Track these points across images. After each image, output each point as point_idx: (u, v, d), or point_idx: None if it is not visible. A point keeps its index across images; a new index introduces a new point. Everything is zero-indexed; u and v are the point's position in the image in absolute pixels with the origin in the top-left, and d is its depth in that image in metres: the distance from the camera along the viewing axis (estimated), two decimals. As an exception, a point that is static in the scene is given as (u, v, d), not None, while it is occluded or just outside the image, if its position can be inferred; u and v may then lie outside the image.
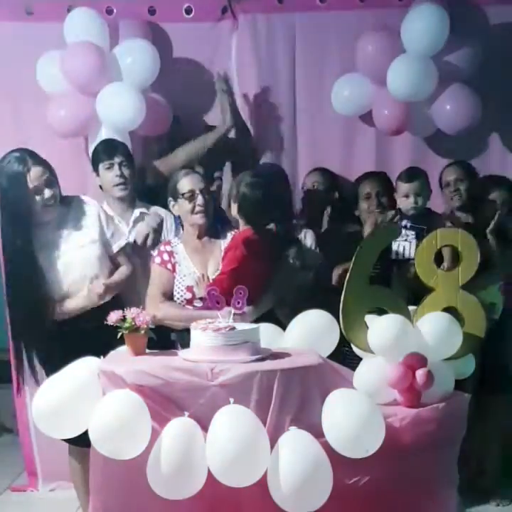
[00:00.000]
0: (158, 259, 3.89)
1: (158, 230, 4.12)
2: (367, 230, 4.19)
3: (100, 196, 4.21)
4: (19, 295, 3.76)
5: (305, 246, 4.16)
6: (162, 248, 3.92)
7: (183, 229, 4.08)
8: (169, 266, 3.86)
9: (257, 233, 3.80)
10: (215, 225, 3.95)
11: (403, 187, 4.21)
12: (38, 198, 3.71)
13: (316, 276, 4.15)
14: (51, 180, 3.75)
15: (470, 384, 3.86)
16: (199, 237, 3.91)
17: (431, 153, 4.68)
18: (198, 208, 3.85)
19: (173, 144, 4.51)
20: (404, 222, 4.15)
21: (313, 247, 4.21)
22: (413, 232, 4.11)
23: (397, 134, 4.52)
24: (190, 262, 3.85)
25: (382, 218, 4.17)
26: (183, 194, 3.86)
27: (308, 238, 4.23)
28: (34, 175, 3.70)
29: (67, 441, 3.64)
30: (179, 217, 3.97)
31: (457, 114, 4.39)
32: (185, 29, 4.62)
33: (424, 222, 4.11)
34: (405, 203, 4.20)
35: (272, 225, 3.96)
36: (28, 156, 3.72)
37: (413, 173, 4.26)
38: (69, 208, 3.87)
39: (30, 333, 3.80)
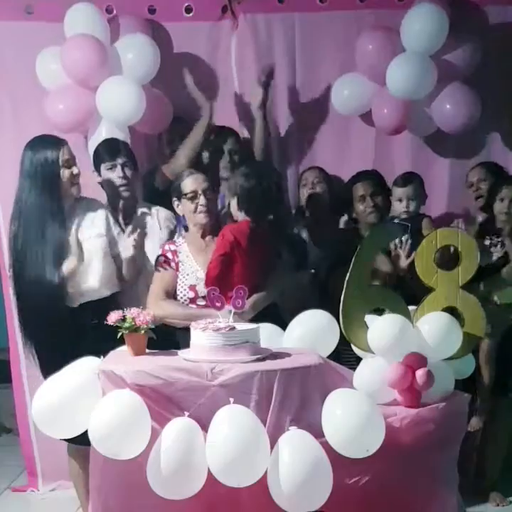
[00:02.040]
0: (161, 258, 3.90)
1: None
2: (362, 229, 4.29)
3: (101, 195, 4.22)
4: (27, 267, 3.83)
5: (302, 244, 4.16)
6: (166, 247, 3.94)
7: (185, 230, 4.09)
8: (173, 265, 3.87)
9: (253, 224, 3.80)
10: (219, 224, 3.96)
11: (397, 191, 4.30)
12: (66, 171, 3.84)
13: (314, 274, 4.17)
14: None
15: (471, 384, 3.88)
16: (203, 236, 3.92)
17: (430, 153, 4.69)
18: (200, 208, 3.87)
19: (177, 144, 4.51)
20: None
21: (310, 246, 4.21)
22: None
23: (397, 133, 4.52)
24: (193, 261, 3.86)
25: (376, 218, 4.25)
26: (185, 194, 3.88)
27: (304, 236, 4.23)
28: (68, 150, 3.86)
29: (67, 440, 3.65)
30: (183, 216, 3.98)
31: (456, 113, 4.40)
32: (185, 28, 4.62)
33: (414, 223, 4.19)
34: (398, 206, 4.29)
35: (269, 218, 3.96)
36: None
37: (407, 178, 4.32)
38: (81, 203, 3.96)
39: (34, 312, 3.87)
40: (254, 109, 4.53)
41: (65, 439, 3.63)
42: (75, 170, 3.88)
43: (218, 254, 3.70)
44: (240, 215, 3.87)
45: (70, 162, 3.87)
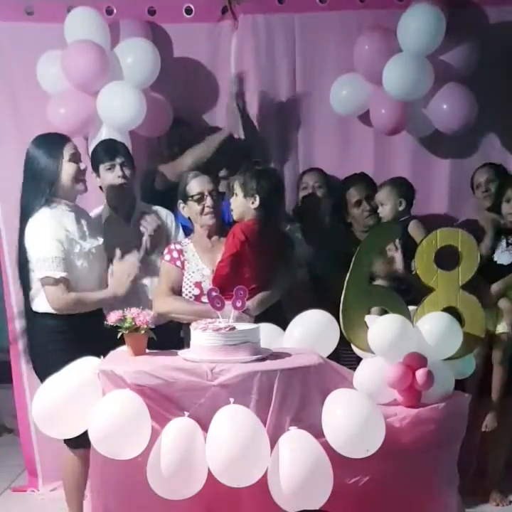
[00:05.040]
0: (167, 257, 3.95)
1: (156, 235, 4.12)
2: (357, 231, 4.36)
3: (100, 197, 4.22)
4: None
5: (297, 241, 4.16)
6: (172, 246, 3.98)
7: (185, 229, 4.14)
8: (178, 263, 3.91)
9: (261, 223, 3.80)
10: (224, 224, 3.97)
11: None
12: (73, 165, 3.74)
13: (310, 273, 4.18)
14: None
15: (471, 384, 3.89)
16: (209, 236, 3.96)
17: (428, 153, 4.69)
18: (207, 210, 3.91)
19: (176, 146, 4.51)
20: None
21: (301, 241, 4.23)
22: None
23: (395, 133, 4.52)
24: (199, 260, 3.91)
25: (374, 220, 4.32)
26: (192, 196, 3.91)
27: (295, 232, 4.24)
28: (73, 145, 3.78)
29: (70, 444, 3.66)
30: (189, 218, 4.01)
31: (453, 113, 4.40)
32: (185, 29, 4.62)
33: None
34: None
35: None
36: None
37: (383, 183, 4.34)
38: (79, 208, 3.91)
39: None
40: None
41: (69, 445, 3.65)
42: (81, 165, 3.80)
43: (229, 254, 3.72)
44: (247, 214, 3.84)
45: (76, 157, 3.79)
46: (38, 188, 3.73)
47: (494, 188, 4.41)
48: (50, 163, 3.73)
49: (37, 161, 3.75)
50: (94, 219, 4.13)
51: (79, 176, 3.80)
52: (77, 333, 3.68)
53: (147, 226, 4.10)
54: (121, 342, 3.23)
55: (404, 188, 4.32)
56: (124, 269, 3.83)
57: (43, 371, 3.50)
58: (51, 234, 3.68)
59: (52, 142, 3.78)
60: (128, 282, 3.79)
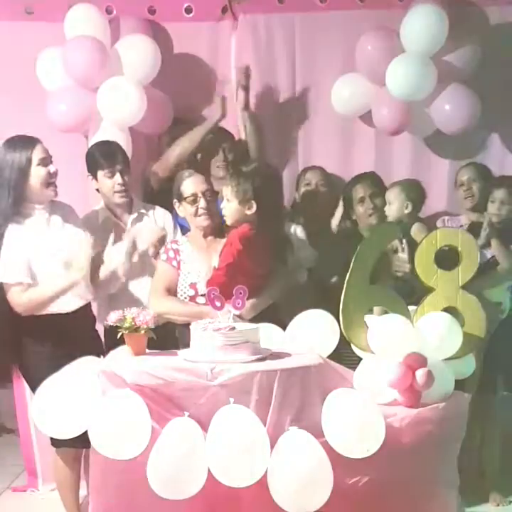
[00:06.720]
0: (164, 256, 3.93)
1: (159, 244, 4.09)
2: (363, 230, 4.35)
3: (97, 197, 4.22)
4: None
5: (298, 243, 4.15)
6: (169, 246, 3.96)
7: (182, 228, 4.15)
8: (174, 263, 3.89)
9: (257, 229, 3.76)
10: (221, 224, 3.95)
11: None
12: (42, 169, 3.68)
13: (310, 273, 4.17)
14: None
15: (471, 384, 3.89)
16: (205, 236, 3.95)
17: (430, 153, 4.69)
18: (200, 211, 3.88)
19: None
20: None
21: (306, 244, 4.22)
22: None
23: (397, 133, 4.53)
24: (195, 260, 3.89)
25: (377, 219, 4.30)
26: (185, 198, 3.89)
27: (299, 234, 4.23)
28: (43, 148, 3.71)
29: (57, 444, 3.67)
30: (184, 218, 4.01)
31: (456, 114, 4.41)
32: (185, 29, 4.63)
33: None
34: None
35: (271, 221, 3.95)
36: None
37: (394, 183, 4.34)
38: (56, 207, 3.86)
39: None
40: (240, 111, 4.53)
41: (54, 444, 3.67)
42: (51, 168, 3.72)
43: (226, 263, 3.65)
44: (243, 221, 3.76)
45: (46, 161, 3.71)
46: (5, 193, 3.66)
47: (477, 188, 4.41)
48: (18, 168, 3.65)
49: (4, 165, 3.66)
50: (89, 214, 4.16)
51: (49, 180, 3.71)
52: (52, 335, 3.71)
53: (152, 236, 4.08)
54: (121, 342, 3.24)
55: (413, 191, 4.31)
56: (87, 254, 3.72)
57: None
58: (11, 240, 3.65)
59: (21, 146, 3.68)
60: (84, 264, 3.68)
